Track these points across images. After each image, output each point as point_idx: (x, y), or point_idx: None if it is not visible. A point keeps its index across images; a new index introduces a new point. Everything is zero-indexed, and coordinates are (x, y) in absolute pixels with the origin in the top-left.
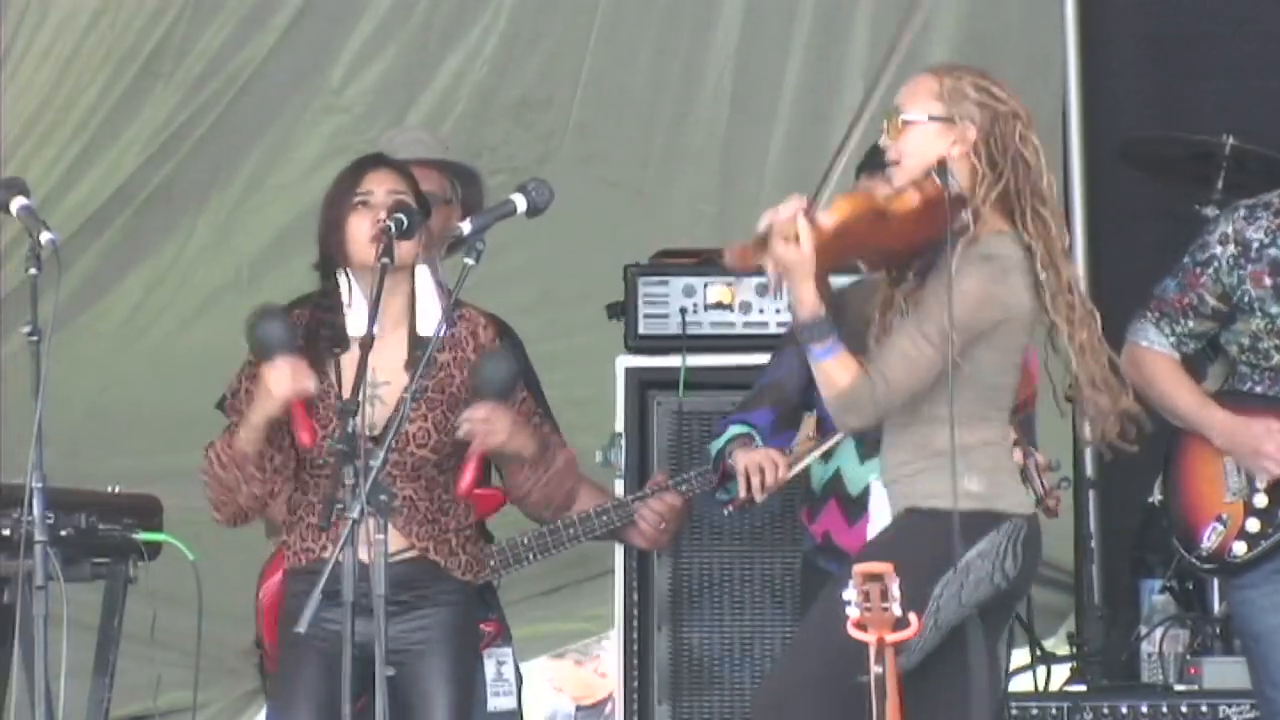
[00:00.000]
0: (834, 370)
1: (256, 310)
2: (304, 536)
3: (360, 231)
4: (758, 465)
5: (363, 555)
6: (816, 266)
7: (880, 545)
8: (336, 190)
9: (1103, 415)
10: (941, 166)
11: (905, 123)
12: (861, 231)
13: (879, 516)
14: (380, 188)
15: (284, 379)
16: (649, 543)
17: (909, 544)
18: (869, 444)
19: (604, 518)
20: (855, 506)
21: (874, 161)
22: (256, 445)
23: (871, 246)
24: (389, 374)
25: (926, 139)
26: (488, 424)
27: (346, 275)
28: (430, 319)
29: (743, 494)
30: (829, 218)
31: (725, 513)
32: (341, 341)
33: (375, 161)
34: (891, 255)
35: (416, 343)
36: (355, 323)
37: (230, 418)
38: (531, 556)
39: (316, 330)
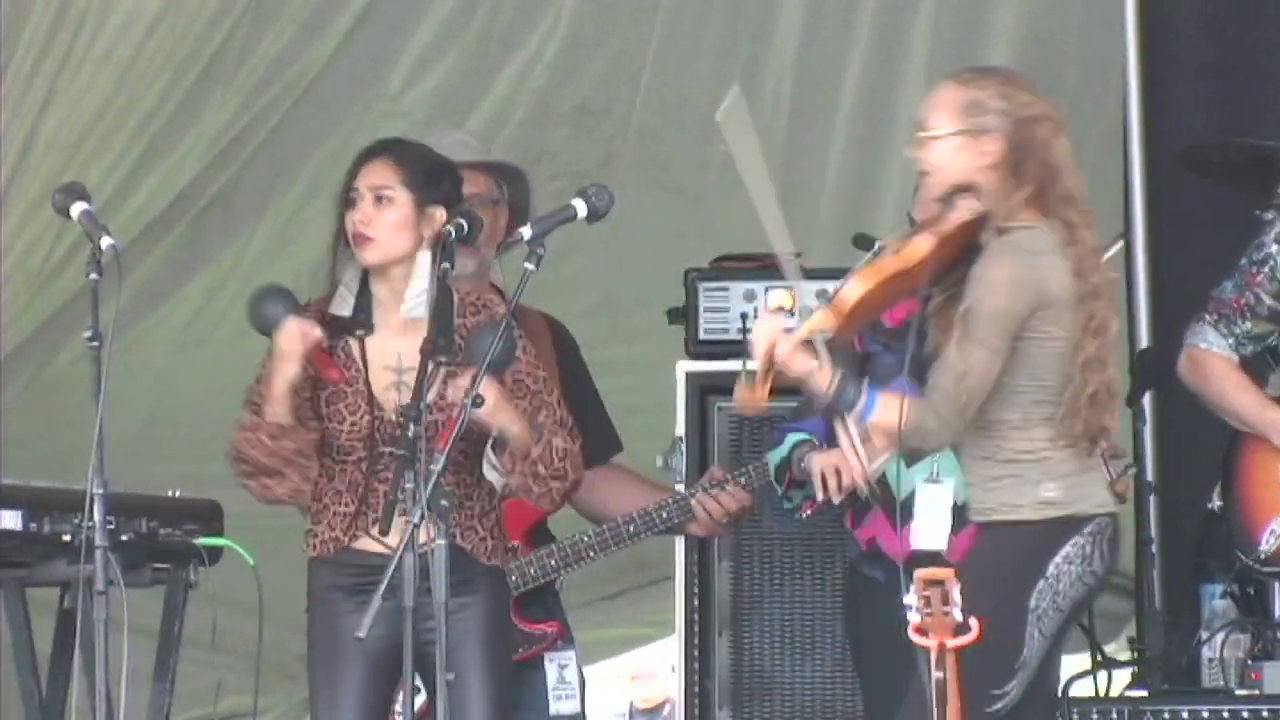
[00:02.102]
0: (883, 419)
1: (254, 291)
2: (331, 525)
3: (348, 225)
4: (834, 466)
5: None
6: (844, 335)
7: (969, 565)
8: (343, 184)
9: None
10: (949, 195)
11: (929, 136)
12: (881, 294)
13: (924, 519)
14: (363, 183)
15: (294, 334)
16: (707, 532)
17: (995, 561)
18: None
19: (664, 513)
20: (901, 511)
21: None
22: (289, 414)
23: (896, 297)
24: (414, 361)
25: (952, 152)
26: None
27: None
28: (419, 301)
29: (820, 496)
30: (847, 295)
31: (802, 517)
32: (356, 327)
33: (370, 152)
34: (916, 292)
35: (439, 320)
36: (342, 308)
37: (247, 409)
38: (592, 554)
39: (326, 316)
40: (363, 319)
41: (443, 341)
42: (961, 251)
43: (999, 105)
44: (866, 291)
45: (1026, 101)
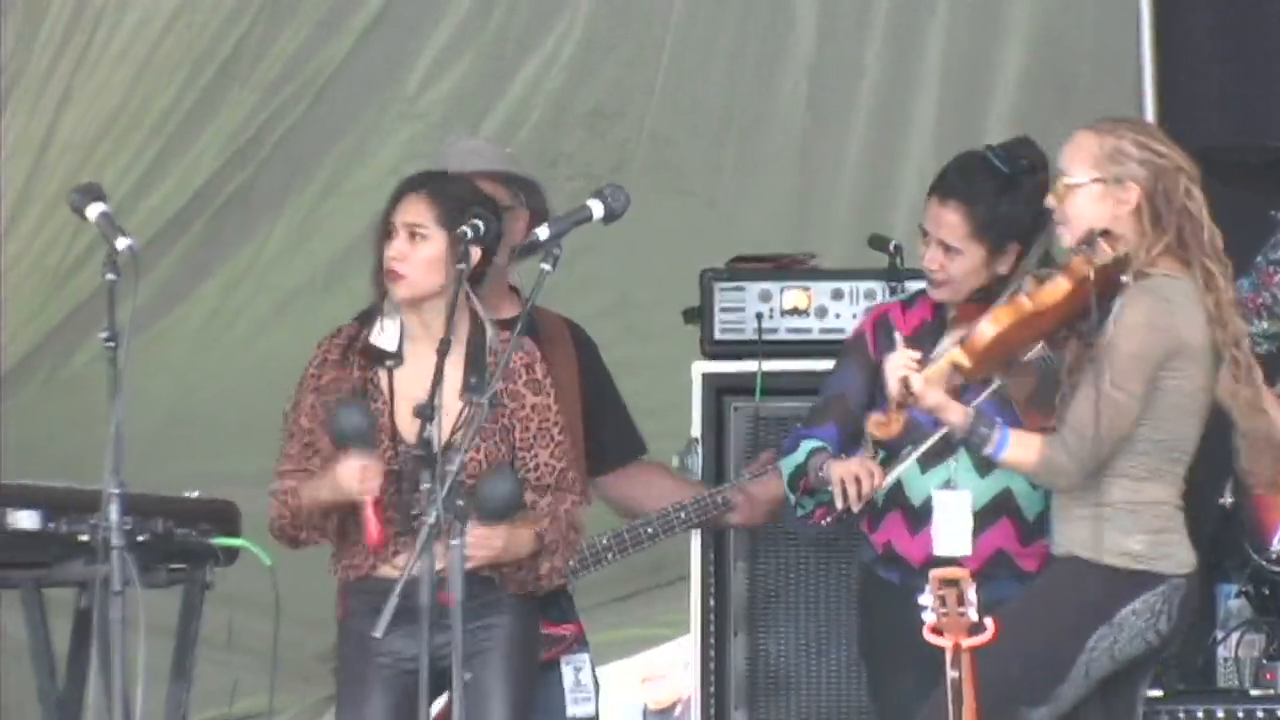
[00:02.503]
0: (1017, 456)
1: (339, 398)
2: (354, 555)
3: (386, 258)
4: (854, 475)
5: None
6: (976, 374)
7: (1040, 589)
8: (382, 214)
9: (1260, 476)
10: (1089, 239)
11: (1069, 185)
12: (1018, 334)
13: (945, 526)
14: (399, 219)
15: (353, 477)
16: (749, 521)
17: (1068, 590)
18: (929, 455)
19: (682, 514)
20: (918, 517)
21: (943, 185)
22: (319, 515)
23: (1032, 338)
24: (447, 389)
25: (1091, 201)
26: (483, 546)
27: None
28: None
29: (840, 504)
30: (981, 335)
31: (822, 524)
32: (386, 358)
33: (411, 185)
34: (1051, 335)
35: (473, 360)
36: (386, 340)
37: (287, 437)
38: (610, 556)
39: (361, 345)
40: (393, 352)
41: (474, 380)
42: (1099, 296)
43: (1139, 155)
44: (1001, 332)
45: (1164, 152)
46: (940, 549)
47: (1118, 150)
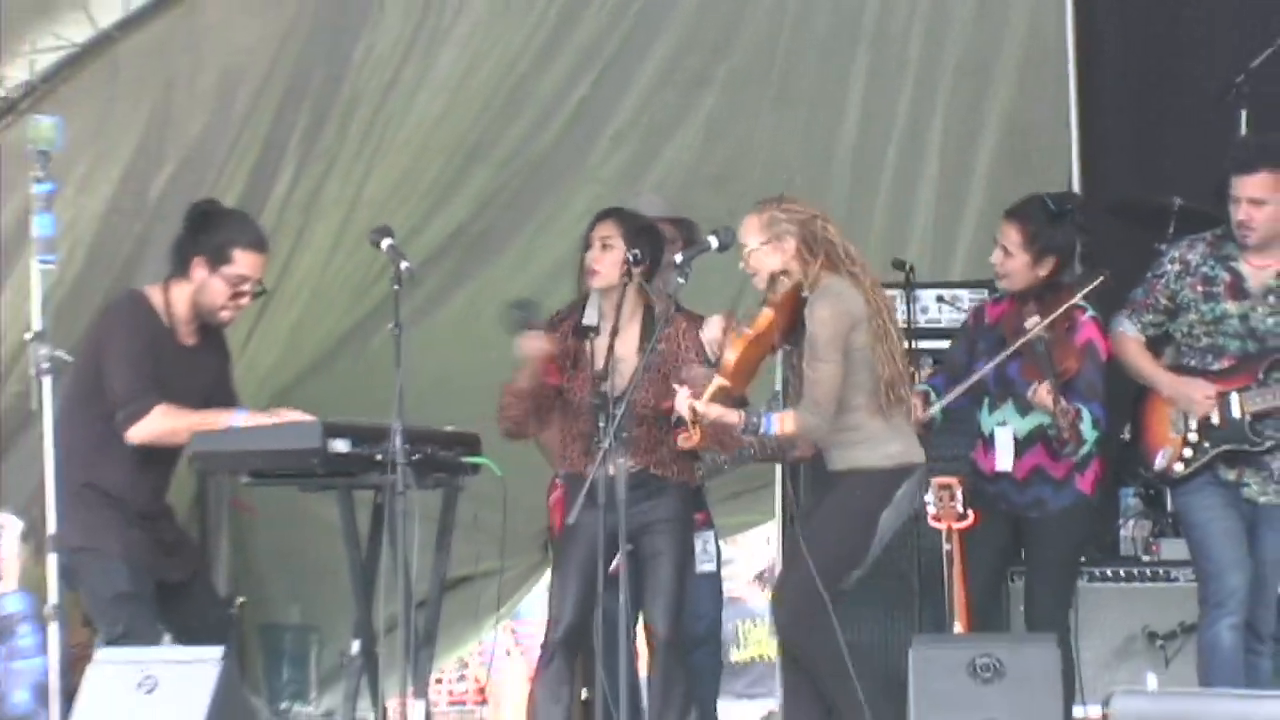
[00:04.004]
0: (784, 429)
1: (513, 301)
2: (569, 456)
3: (588, 261)
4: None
5: (611, 471)
6: (735, 385)
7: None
8: (586, 233)
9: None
10: (772, 281)
11: (750, 250)
12: (753, 353)
13: (1001, 450)
14: (596, 235)
15: (528, 344)
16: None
17: (857, 490)
18: (996, 398)
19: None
20: (988, 444)
21: (1011, 211)
22: (524, 400)
23: (764, 352)
24: (625, 355)
25: (764, 257)
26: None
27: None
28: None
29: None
30: (727, 361)
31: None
32: (588, 331)
33: (604, 214)
34: (775, 348)
35: (646, 335)
36: (589, 319)
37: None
38: (726, 468)
39: (573, 326)
40: (594, 326)
41: (648, 344)
42: (793, 311)
43: (785, 217)
44: (739, 356)
45: (801, 209)
46: (999, 465)
47: (773, 219)
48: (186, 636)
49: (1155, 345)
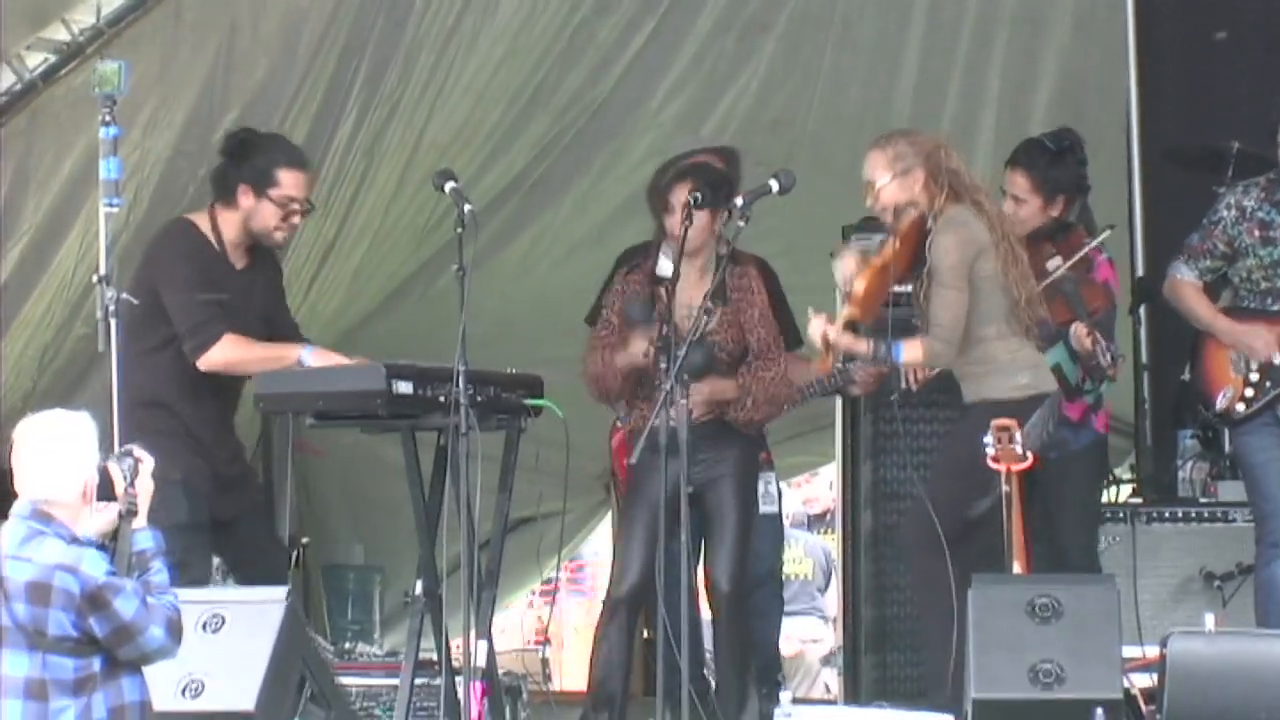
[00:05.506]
0: (912, 357)
1: (630, 294)
2: (639, 407)
3: (668, 223)
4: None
5: (674, 417)
6: (865, 314)
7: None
8: (656, 187)
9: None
10: (897, 211)
11: (877, 187)
12: (879, 283)
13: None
14: (676, 199)
15: (640, 349)
16: (865, 391)
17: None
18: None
19: (827, 381)
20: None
21: (1014, 158)
22: (622, 375)
23: (890, 282)
24: (696, 294)
25: (893, 191)
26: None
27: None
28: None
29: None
30: (857, 291)
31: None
32: (666, 281)
33: (680, 175)
34: (901, 278)
35: (714, 289)
36: (663, 269)
37: (600, 321)
38: (788, 407)
39: (647, 272)
40: (666, 277)
41: (711, 294)
42: (917, 242)
43: (913, 149)
44: (867, 285)
45: (925, 140)
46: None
47: (899, 154)
48: (238, 572)
49: (1213, 288)
